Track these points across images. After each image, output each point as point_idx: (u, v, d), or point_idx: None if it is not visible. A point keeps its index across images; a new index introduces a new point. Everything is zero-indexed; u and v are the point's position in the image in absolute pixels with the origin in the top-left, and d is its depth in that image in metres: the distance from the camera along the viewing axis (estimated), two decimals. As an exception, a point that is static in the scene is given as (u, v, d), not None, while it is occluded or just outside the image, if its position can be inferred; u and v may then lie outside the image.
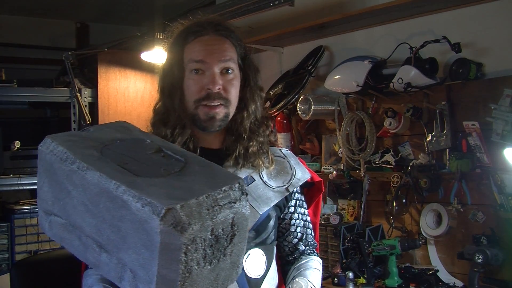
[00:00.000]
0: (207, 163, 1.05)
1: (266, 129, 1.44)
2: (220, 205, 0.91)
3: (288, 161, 1.47)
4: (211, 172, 1.00)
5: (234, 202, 0.93)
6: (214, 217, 0.89)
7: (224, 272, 0.95)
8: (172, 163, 1.00)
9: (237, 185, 0.95)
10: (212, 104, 1.32)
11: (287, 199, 1.46)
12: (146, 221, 0.84)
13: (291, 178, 1.43)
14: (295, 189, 1.47)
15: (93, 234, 0.94)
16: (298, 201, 1.50)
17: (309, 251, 1.52)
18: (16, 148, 3.49)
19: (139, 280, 0.88)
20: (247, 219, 0.97)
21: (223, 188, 0.93)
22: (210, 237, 0.89)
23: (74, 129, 3.64)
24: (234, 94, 1.36)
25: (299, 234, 1.50)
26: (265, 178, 1.40)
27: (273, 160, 1.43)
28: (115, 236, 0.90)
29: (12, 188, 3.48)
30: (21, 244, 3.48)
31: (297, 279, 1.37)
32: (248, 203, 0.97)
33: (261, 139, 1.41)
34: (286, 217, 1.49)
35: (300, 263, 1.46)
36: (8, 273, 1.75)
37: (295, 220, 1.49)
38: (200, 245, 0.88)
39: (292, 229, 1.49)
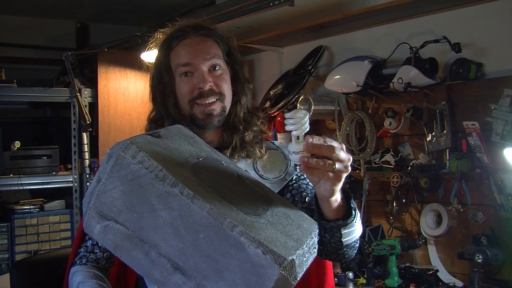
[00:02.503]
0: (282, 200, 1.14)
1: (258, 119, 1.46)
2: (310, 252, 1.00)
3: (282, 152, 1.47)
4: (295, 213, 1.08)
5: (315, 247, 1.02)
6: (307, 264, 0.98)
7: None
8: (260, 197, 1.07)
9: (317, 230, 1.04)
10: (207, 101, 1.35)
11: (286, 186, 1.45)
12: (263, 266, 0.88)
13: (286, 167, 1.43)
14: (293, 177, 1.47)
15: (172, 256, 0.95)
16: (298, 179, 1.45)
17: None
18: (16, 148, 3.49)
19: None
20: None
21: (312, 235, 1.02)
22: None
23: (74, 129, 3.64)
24: (226, 88, 1.38)
25: (312, 191, 1.41)
26: (260, 172, 1.40)
27: (266, 149, 1.44)
28: (207, 266, 0.92)
29: (12, 188, 3.49)
30: (21, 244, 3.49)
31: None
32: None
33: (254, 128, 1.43)
34: (292, 192, 1.43)
35: None
36: (8, 273, 1.75)
37: (302, 185, 1.43)
38: None
39: (304, 194, 1.41)
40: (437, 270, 2.30)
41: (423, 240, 2.38)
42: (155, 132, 1.07)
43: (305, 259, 0.96)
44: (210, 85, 1.34)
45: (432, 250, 2.41)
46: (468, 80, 2.29)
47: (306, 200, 1.41)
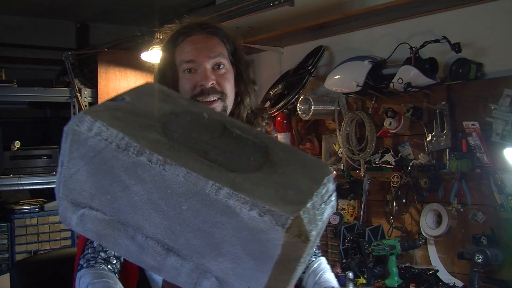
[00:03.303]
0: (284, 145, 0.95)
1: (262, 120, 1.46)
2: (325, 202, 0.82)
3: None
4: (299, 158, 0.89)
5: (332, 196, 0.85)
6: (322, 217, 0.81)
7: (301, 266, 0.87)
8: (255, 148, 0.88)
9: (331, 174, 0.85)
10: (208, 99, 1.33)
11: None
12: (263, 231, 0.73)
13: None
14: None
15: (159, 236, 0.81)
16: None
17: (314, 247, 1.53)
18: (16, 148, 3.49)
19: None
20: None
21: (324, 181, 0.83)
22: (316, 238, 0.82)
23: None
24: (229, 87, 1.37)
25: None
26: None
27: None
28: (200, 242, 0.79)
29: (12, 188, 3.48)
30: (21, 244, 3.49)
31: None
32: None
33: (258, 128, 1.43)
34: None
35: (314, 266, 1.46)
36: (8, 273, 1.75)
37: None
38: (310, 248, 0.80)
39: None
40: (437, 270, 2.30)
41: (423, 240, 2.38)
42: (119, 96, 0.92)
43: (317, 212, 0.79)
44: (212, 83, 1.33)
45: (432, 250, 2.41)
46: (468, 80, 2.29)
47: None
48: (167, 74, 1.38)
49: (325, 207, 0.82)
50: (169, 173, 0.76)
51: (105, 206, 0.83)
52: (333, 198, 0.85)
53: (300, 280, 1.48)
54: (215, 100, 1.34)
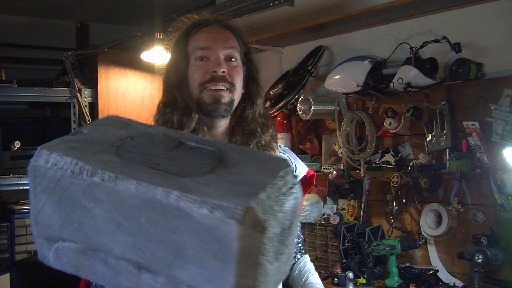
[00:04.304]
0: (241, 148, 0.94)
1: (271, 125, 1.45)
2: (284, 194, 0.82)
3: (288, 156, 1.48)
4: (254, 157, 0.91)
5: (292, 188, 0.85)
6: (283, 208, 0.81)
7: (284, 265, 0.88)
8: (208, 155, 0.88)
9: (288, 167, 0.86)
10: (217, 87, 1.32)
11: None
12: (217, 228, 0.73)
13: (293, 172, 1.44)
14: None
15: (128, 254, 0.81)
16: None
17: (299, 244, 1.56)
18: (16, 148, 3.49)
19: None
20: (300, 202, 0.90)
21: (280, 174, 0.83)
22: (279, 230, 0.81)
23: (74, 129, 3.64)
24: (238, 81, 1.36)
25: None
26: None
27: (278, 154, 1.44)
28: (165, 252, 0.78)
29: (12, 188, 3.48)
30: (21, 244, 3.48)
31: None
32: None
33: (270, 130, 1.42)
34: None
35: (300, 265, 1.48)
36: (8, 273, 1.75)
37: None
38: (273, 241, 0.79)
39: None
40: (437, 270, 2.30)
41: (423, 240, 2.38)
42: (77, 130, 0.95)
43: (275, 203, 0.79)
44: (224, 71, 1.32)
45: (432, 250, 2.41)
46: (468, 80, 2.29)
47: None
48: (178, 63, 1.38)
49: (284, 198, 0.81)
50: (122, 188, 0.78)
51: (75, 235, 0.84)
52: (295, 190, 0.85)
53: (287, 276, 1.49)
54: (224, 89, 1.33)
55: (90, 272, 0.86)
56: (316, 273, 1.48)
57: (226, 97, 1.33)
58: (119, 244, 0.81)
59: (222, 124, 1.38)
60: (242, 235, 0.72)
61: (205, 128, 1.35)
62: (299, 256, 1.51)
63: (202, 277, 0.76)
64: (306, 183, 1.59)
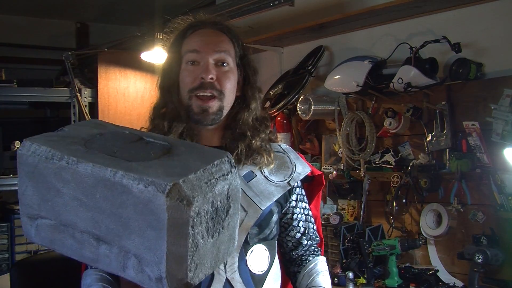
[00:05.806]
0: (191, 143, 1.11)
1: (266, 128, 1.44)
2: (216, 178, 0.95)
3: (288, 156, 1.47)
4: (198, 150, 1.04)
5: (227, 175, 0.98)
6: (213, 189, 0.93)
7: (223, 245, 1.00)
8: (159, 147, 1.03)
9: (226, 158, 0.99)
10: (205, 94, 1.32)
11: (289, 193, 1.46)
12: (151, 200, 0.87)
13: (291, 172, 1.43)
14: (296, 184, 1.47)
15: (89, 228, 0.95)
16: (299, 196, 1.50)
17: (312, 246, 1.53)
18: (16, 148, 3.49)
19: (145, 264, 0.91)
20: (239, 190, 1.02)
21: (215, 162, 0.96)
22: (211, 209, 0.93)
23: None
24: (229, 87, 1.35)
25: (302, 229, 1.50)
26: (266, 173, 1.39)
27: (273, 158, 1.43)
28: (115, 224, 0.92)
29: (12, 188, 3.48)
30: (21, 244, 3.49)
31: None
32: (238, 175, 1.02)
33: (262, 135, 1.41)
34: (288, 212, 1.48)
35: (309, 267, 1.46)
36: (8, 273, 1.75)
37: (297, 214, 1.49)
38: (204, 217, 0.92)
39: (295, 223, 1.49)
40: (437, 270, 2.30)
41: (423, 240, 2.38)
42: (59, 129, 1.11)
43: (205, 184, 0.92)
44: (212, 77, 1.31)
45: (432, 250, 2.41)
46: (468, 80, 2.29)
47: (296, 236, 1.49)
48: (172, 66, 1.38)
49: (216, 182, 0.95)
50: (81, 169, 0.93)
51: (49, 212, 0.99)
52: (230, 177, 0.98)
53: (295, 279, 1.48)
54: (212, 97, 1.32)
55: (62, 245, 1.01)
56: (326, 274, 1.45)
57: (214, 107, 1.33)
58: (82, 219, 0.95)
59: (213, 128, 1.39)
60: (169, 207, 0.86)
61: (195, 133, 1.36)
62: (310, 258, 1.49)
63: (143, 245, 0.90)
64: (316, 183, 1.59)
